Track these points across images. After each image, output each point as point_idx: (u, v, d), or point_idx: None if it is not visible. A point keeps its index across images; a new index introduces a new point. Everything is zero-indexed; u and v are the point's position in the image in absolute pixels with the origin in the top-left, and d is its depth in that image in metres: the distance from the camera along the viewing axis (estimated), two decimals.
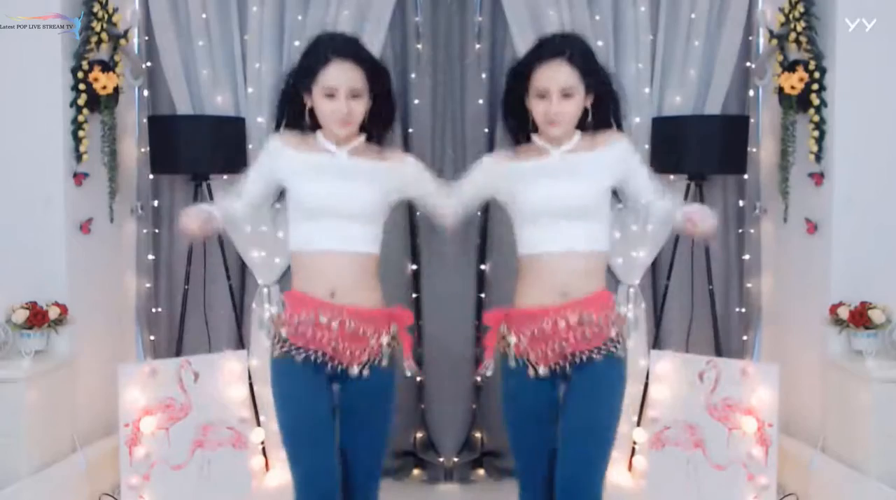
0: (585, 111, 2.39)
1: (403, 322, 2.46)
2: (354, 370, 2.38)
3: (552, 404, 2.42)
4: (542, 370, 2.38)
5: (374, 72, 2.38)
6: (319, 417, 2.37)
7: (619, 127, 2.49)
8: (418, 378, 3.88)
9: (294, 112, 2.45)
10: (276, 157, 2.43)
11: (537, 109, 2.35)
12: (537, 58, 2.35)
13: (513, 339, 2.40)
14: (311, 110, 2.41)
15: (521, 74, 2.39)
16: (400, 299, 3.89)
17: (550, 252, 2.36)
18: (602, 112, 2.43)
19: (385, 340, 2.41)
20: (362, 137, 2.45)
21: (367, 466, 2.47)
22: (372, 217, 2.40)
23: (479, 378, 2.48)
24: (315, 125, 2.44)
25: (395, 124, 2.57)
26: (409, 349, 2.48)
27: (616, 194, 2.52)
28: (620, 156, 2.43)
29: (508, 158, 2.47)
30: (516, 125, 2.48)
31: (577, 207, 2.35)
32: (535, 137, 2.44)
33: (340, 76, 2.32)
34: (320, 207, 2.36)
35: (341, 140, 2.41)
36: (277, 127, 2.52)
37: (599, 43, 3.77)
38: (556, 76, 2.31)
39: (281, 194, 2.52)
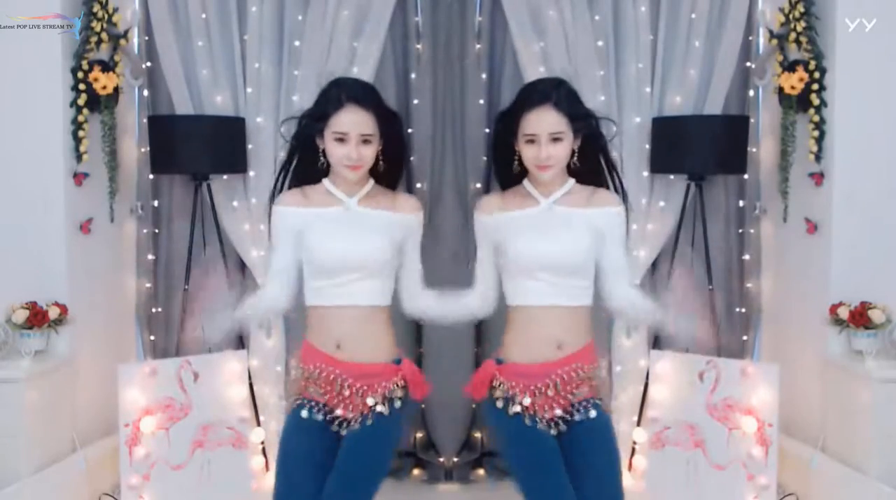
0: (573, 153, 2.43)
1: (411, 380, 2.44)
2: (354, 425, 2.38)
3: (555, 450, 2.41)
4: (541, 424, 2.39)
5: (386, 118, 2.41)
6: (307, 469, 2.37)
7: (611, 167, 2.53)
8: None
9: (306, 155, 2.47)
10: (288, 217, 2.45)
11: (527, 153, 2.39)
12: (525, 104, 2.38)
13: (511, 392, 2.40)
14: (324, 152, 2.43)
15: (509, 120, 2.42)
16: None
17: (540, 305, 2.38)
18: (589, 154, 2.46)
19: (386, 393, 2.41)
20: (371, 183, 2.47)
21: None
22: (380, 270, 2.41)
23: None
24: (325, 169, 2.46)
25: (403, 169, 2.60)
26: (420, 391, 2.47)
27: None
28: (606, 222, 2.44)
29: (497, 206, 2.48)
30: (506, 169, 2.50)
31: (563, 263, 2.38)
32: (525, 183, 2.46)
33: (351, 121, 2.34)
34: (330, 263, 2.38)
35: (351, 186, 2.42)
36: (284, 171, 2.54)
37: (599, 43, 3.78)
38: (544, 122, 2.34)
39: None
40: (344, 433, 2.40)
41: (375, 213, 2.43)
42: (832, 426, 3.56)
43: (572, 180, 2.45)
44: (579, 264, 2.39)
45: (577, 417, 2.39)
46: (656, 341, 3.82)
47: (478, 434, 4.03)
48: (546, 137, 2.34)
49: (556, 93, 2.37)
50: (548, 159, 2.35)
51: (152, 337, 3.94)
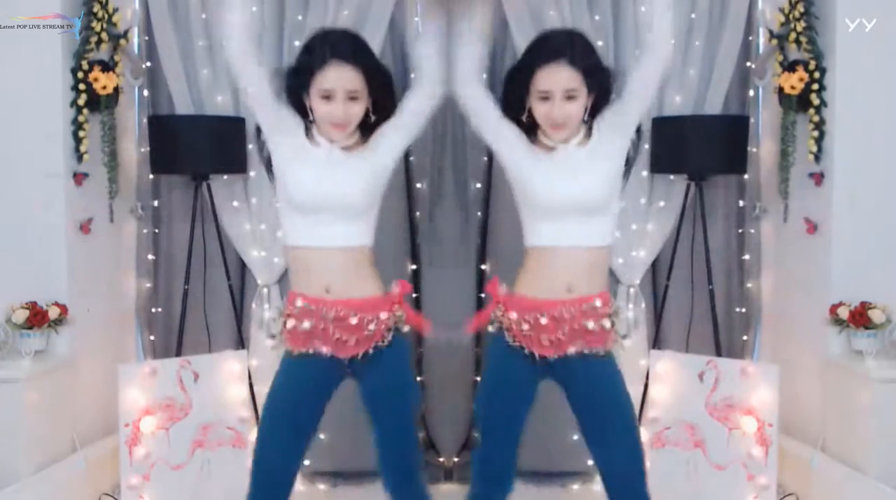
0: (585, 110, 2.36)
1: (402, 291, 2.42)
2: (359, 358, 2.36)
3: (532, 390, 2.42)
4: (537, 357, 2.36)
5: (374, 73, 2.33)
6: (296, 404, 2.40)
7: None
8: (418, 378, 3.87)
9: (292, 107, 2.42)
10: (287, 116, 2.38)
11: (540, 110, 2.31)
12: (538, 59, 2.30)
13: (513, 315, 2.36)
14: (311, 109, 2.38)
15: (521, 75, 2.35)
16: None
17: (556, 247, 2.33)
18: (602, 108, 2.40)
19: (384, 315, 2.36)
20: (357, 136, 2.41)
21: (403, 449, 2.54)
22: (364, 210, 2.36)
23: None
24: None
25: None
26: (413, 317, 2.45)
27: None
28: (613, 121, 2.37)
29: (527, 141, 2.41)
30: (515, 124, 2.43)
31: (584, 203, 2.32)
32: (541, 136, 2.39)
33: (337, 79, 2.27)
34: (311, 201, 2.32)
35: (335, 140, 2.38)
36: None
37: (599, 43, 3.77)
38: (559, 79, 2.26)
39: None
40: (347, 361, 2.38)
41: (354, 154, 2.37)
42: (832, 426, 3.56)
43: (584, 127, 2.39)
44: (599, 202, 2.33)
45: (579, 352, 2.37)
46: (656, 341, 3.82)
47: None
48: (560, 95, 2.26)
49: (571, 48, 2.28)
50: (560, 118, 2.28)
51: (152, 337, 3.94)
